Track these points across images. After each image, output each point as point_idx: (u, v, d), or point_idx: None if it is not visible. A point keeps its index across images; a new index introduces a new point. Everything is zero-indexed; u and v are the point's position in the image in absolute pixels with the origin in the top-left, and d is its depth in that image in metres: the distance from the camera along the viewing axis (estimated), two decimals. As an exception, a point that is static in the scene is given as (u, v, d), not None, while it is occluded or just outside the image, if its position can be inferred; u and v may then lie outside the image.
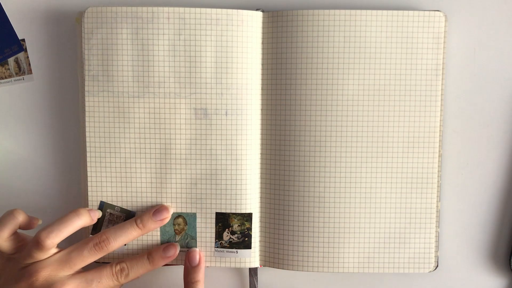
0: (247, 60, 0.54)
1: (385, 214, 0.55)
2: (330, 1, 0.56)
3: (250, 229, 0.56)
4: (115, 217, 0.56)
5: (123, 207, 0.56)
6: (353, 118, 0.54)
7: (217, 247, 0.56)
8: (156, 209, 0.55)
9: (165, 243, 0.56)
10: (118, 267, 0.53)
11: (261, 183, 0.56)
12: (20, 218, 0.50)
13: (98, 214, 0.55)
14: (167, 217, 0.55)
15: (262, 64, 0.55)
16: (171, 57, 0.54)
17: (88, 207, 0.56)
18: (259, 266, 0.57)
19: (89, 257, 0.51)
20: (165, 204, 0.56)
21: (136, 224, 0.53)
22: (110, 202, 0.56)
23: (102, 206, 0.56)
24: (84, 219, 0.52)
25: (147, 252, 0.54)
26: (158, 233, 0.56)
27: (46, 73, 0.57)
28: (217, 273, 0.59)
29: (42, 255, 0.50)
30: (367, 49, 0.54)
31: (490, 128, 0.56)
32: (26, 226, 0.51)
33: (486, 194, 0.57)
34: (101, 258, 0.53)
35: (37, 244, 0.49)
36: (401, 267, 0.55)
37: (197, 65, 0.54)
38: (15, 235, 0.51)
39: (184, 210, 0.55)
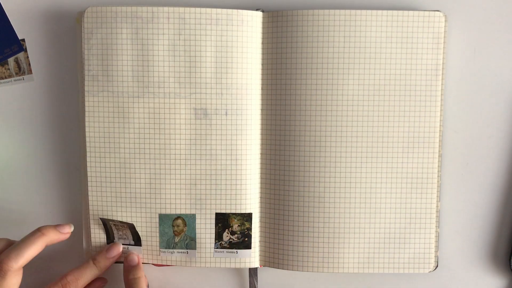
0: (247, 60, 0.54)
1: (385, 214, 0.55)
2: (330, 1, 0.56)
3: (250, 229, 0.56)
4: (119, 226, 0.56)
5: (126, 209, 0.55)
6: (353, 118, 0.54)
7: (217, 248, 0.56)
8: (108, 248, 0.55)
9: (109, 245, 0.56)
10: (64, 281, 0.52)
11: (261, 183, 0.56)
12: (50, 237, 0.51)
13: (69, 228, 0.53)
14: (118, 254, 0.56)
15: (262, 64, 0.55)
16: (171, 57, 0.54)
17: (89, 207, 0.56)
18: (259, 266, 0.57)
19: None
20: (119, 243, 0.56)
21: (94, 263, 0.54)
22: (108, 217, 0.56)
23: (104, 222, 0.56)
24: (51, 237, 0.51)
25: (91, 257, 0.55)
26: (157, 235, 0.56)
27: (46, 73, 0.57)
28: (217, 273, 0.59)
29: (1, 281, 0.48)
30: (367, 49, 0.54)
31: (490, 128, 0.56)
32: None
33: (486, 194, 0.57)
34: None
35: None
36: (401, 267, 0.55)
37: (197, 65, 0.54)
38: None
39: (183, 211, 0.55)
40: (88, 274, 0.53)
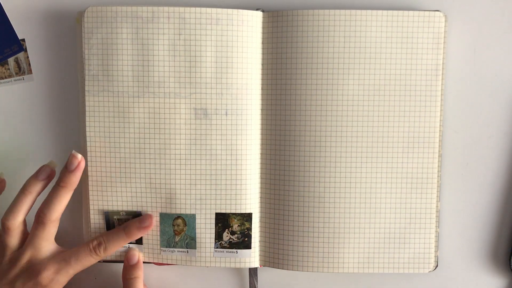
0: (247, 60, 0.54)
1: (385, 214, 0.55)
2: (330, 1, 0.56)
3: (250, 229, 0.56)
4: (123, 221, 0.56)
5: (127, 209, 0.56)
6: (353, 118, 0.54)
7: (217, 248, 0.56)
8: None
9: (141, 216, 0.56)
10: (95, 242, 0.54)
11: (261, 183, 0.56)
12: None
13: (49, 169, 0.54)
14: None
15: (262, 64, 0.55)
16: (171, 57, 0.54)
17: (90, 210, 0.56)
18: (259, 266, 0.57)
19: (86, 262, 0.54)
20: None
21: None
22: (114, 209, 0.56)
23: (107, 215, 0.56)
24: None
25: (123, 225, 0.56)
26: (158, 233, 0.56)
27: (46, 73, 0.57)
28: (217, 273, 0.59)
29: (9, 239, 0.53)
30: (367, 49, 0.54)
31: (490, 128, 0.56)
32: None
33: (486, 194, 0.57)
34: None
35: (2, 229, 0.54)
36: (401, 267, 0.55)
37: (197, 65, 0.54)
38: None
39: (183, 211, 0.55)
40: (117, 241, 0.55)
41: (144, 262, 0.57)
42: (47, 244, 0.54)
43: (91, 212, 0.56)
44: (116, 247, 0.55)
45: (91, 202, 0.56)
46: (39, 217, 0.53)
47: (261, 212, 0.56)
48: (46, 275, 0.52)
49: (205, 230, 0.56)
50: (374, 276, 0.58)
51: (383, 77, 0.54)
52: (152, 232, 0.56)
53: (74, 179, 0.53)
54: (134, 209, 0.56)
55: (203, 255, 0.56)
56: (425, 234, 0.55)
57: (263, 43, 0.55)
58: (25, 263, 0.53)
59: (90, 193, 0.56)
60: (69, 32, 0.57)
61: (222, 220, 0.55)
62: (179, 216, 0.56)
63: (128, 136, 0.55)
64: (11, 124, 0.58)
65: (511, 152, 0.56)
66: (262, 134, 0.56)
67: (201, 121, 0.54)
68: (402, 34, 0.53)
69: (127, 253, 0.56)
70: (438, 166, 0.55)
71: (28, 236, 0.54)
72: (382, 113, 0.54)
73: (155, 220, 0.56)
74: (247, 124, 0.55)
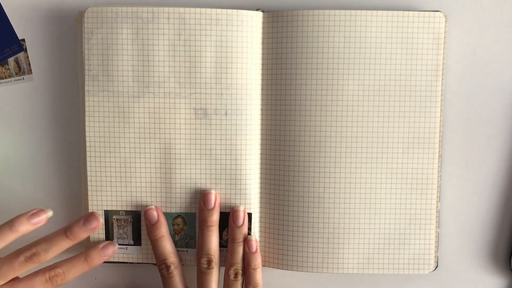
0: (247, 60, 0.54)
1: (385, 214, 0.55)
2: (330, 1, 0.56)
3: (250, 229, 0.56)
4: (122, 221, 0.56)
5: (127, 209, 0.56)
6: (353, 118, 0.54)
7: (217, 247, 0.56)
8: (86, 218, 0.52)
9: (104, 242, 0.55)
10: (52, 273, 0.51)
11: (261, 183, 0.56)
12: (21, 229, 0.50)
13: (46, 215, 0.51)
14: (97, 225, 0.52)
15: (262, 64, 0.55)
16: (171, 57, 0.54)
17: (88, 208, 0.56)
18: (259, 266, 0.57)
19: (21, 270, 0.50)
20: (98, 212, 0.55)
21: (66, 235, 0.51)
22: (113, 208, 0.56)
23: (107, 214, 0.56)
24: (22, 230, 0.50)
25: (84, 252, 0.53)
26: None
27: (46, 73, 0.57)
28: (217, 273, 0.59)
29: None
30: (367, 49, 0.54)
31: (490, 128, 0.56)
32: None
33: (486, 194, 0.57)
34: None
35: None
36: (401, 267, 0.55)
37: (197, 65, 0.54)
38: None
39: (183, 210, 0.55)
40: (78, 269, 0.51)
41: (142, 263, 0.57)
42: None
43: (90, 211, 0.56)
44: (75, 275, 0.51)
45: (90, 202, 0.56)
46: (34, 256, 0.50)
47: (261, 212, 0.56)
48: None
49: (205, 230, 0.56)
50: (374, 277, 0.58)
51: (383, 77, 0.54)
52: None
53: (85, 236, 0.52)
54: (134, 208, 0.56)
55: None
56: (425, 234, 0.55)
57: (263, 43, 0.55)
58: None
59: (89, 192, 0.55)
60: (69, 32, 0.57)
61: (222, 220, 0.55)
62: (179, 215, 0.56)
63: (128, 136, 0.55)
64: (11, 124, 0.58)
65: (511, 152, 0.56)
66: (262, 134, 0.56)
67: (201, 121, 0.54)
68: (402, 34, 0.53)
69: (145, 213, 0.55)
70: (438, 166, 0.55)
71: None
72: (382, 113, 0.54)
73: (117, 247, 0.55)
74: (247, 124, 0.55)
